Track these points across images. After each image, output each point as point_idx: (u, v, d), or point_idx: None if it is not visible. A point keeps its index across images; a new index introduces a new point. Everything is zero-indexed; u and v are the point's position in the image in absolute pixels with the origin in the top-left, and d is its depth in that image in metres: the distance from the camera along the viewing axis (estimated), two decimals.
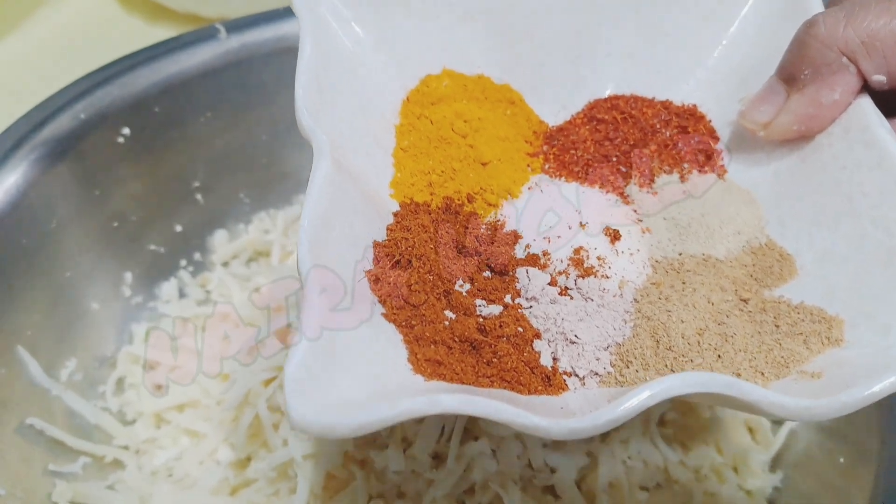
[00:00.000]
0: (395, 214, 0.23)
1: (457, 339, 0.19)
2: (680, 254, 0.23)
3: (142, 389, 0.35)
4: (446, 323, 0.20)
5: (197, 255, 0.41)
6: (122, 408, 0.36)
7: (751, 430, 0.35)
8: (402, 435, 0.30)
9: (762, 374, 0.19)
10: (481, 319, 0.20)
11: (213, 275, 0.40)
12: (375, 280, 0.20)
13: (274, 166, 0.42)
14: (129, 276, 0.38)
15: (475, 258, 0.22)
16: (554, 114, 0.28)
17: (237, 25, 0.39)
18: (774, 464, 0.34)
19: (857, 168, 0.22)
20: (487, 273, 0.22)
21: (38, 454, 0.31)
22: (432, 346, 0.19)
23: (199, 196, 0.40)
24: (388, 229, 0.22)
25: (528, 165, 0.26)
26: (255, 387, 0.32)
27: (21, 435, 0.31)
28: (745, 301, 0.21)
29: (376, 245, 0.21)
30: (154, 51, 0.38)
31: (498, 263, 0.22)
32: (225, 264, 0.41)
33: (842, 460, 0.31)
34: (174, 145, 0.39)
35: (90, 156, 0.36)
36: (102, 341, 0.37)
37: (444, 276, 0.21)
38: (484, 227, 0.23)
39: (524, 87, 0.27)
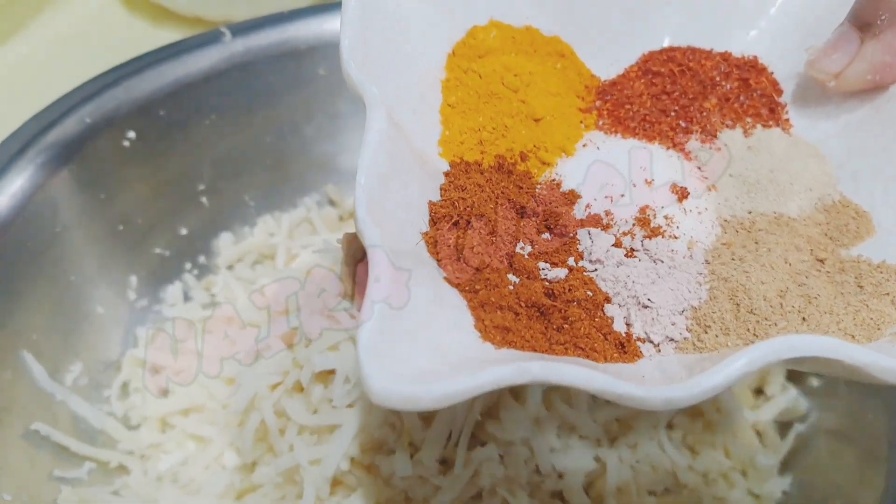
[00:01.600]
0: (446, 174, 0.21)
1: (523, 304, 0.18)
2: (749, 212, 0.22)
3: (147, 393, 0.35)
4: (511, 287, 0.19)
5: (202, 259, 0.41)
6: (127, 412, 0.35)
7: (759, 434, 0.34)
8: (409, 440, 0.30)
9: (853, 336, 0.18)
10: (547, 283, 0.19)
11: (218, 278, 0.40)
12: (434, 243, 0.19)
13: (279, 169, 0.42)
14: (134, 279, 0.38)
15: (533, 219, 0.21)
16: (606, 67, 0.26)
17: (242, 29, 0.39)
18: (783, 467, 0.34)
19: None
20: (547, 235, 0.21)
21: (43, 459, 0.31)
22: (499, 312, 0.18)
23: (204, 199, 0.40)
24: (441, 189, 0.21)
25: (582, 122, 0.24)
26: (261, 391, 0.32)
27: (26, 440, 0.31)
28: (822, 261, 0.20)
29: (431, 206, 0.20)
30: (159, 54, 0.38)
31: (558, 224, 0.21)
32: (230, 267, 0.41)
33: (851, 463, 0.31)
34: (179, 148, 0.39)
35: (96, 159, 0.36)
36: (107, 345, 0.37)
37: (505, 236, 0.20)
38: (540, 186, 0.22)
39: (575, 39, 0.26)
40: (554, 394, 0.31)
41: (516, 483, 0.29)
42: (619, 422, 0.31)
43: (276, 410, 0.31)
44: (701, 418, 0.33)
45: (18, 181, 0.33)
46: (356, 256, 0.22)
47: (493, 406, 0.30)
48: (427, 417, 0.30)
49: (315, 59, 0.40)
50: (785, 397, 0.35)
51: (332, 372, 0.31)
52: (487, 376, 0.14)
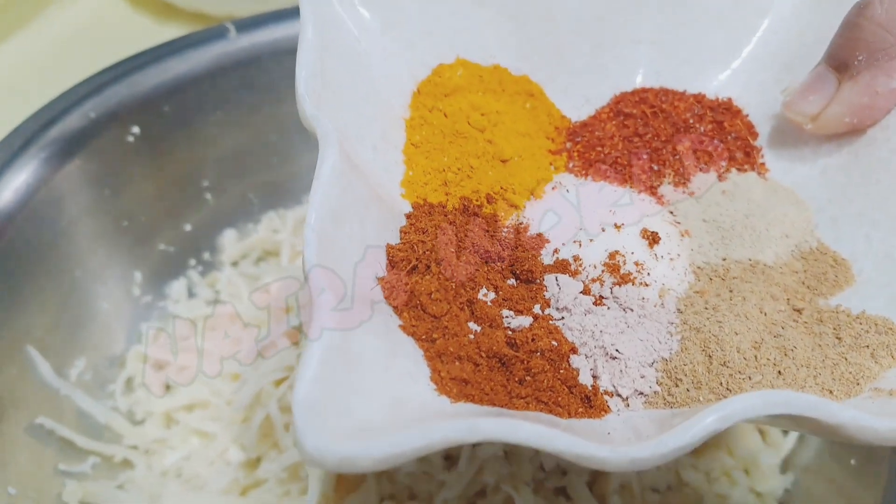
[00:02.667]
0: (408, 216, 0.21)
1: (484, 355, 0.17)
2: (724, 259, 0.21)
3: (151, 389, 0.35)
4: (471, 336, 0.18)
5: (206, 255, 0.41)
6: (131, 407, 0.35)
7: (761, 433, 0.35)
8: None
9: (830, 391, 0.17)
10: (510, 332, 0.18)
11: (222, 274, 0.40)
12: (390, 289, 0.18)
13: (283, 166, 0.42)
14: (138, 275, 0.38)
15: (498, 264, 0.20)
16: (577, 108, 0.26)
17: (246, 24, 0.39)
18: (785, 466, 0.34)
19: None
20: (512, 281, 0.20)
21: (48, 454, 0.31)
22: (457, 363, 0.17)
23: (208, 195, 0.40)
24: (401, 231, 0.20)
25: (551, 163, 0.24)
26: (266, 387, 0.32)
27: (31, 435, 0.31)
28: (799, 311, 0.19)
29: (389, 249, 0.19)
30: (163, 50, 0.38)
31: (524, 270, 0.20)
32: (234, 264, 0.41)
33: (852, 462, 0.31)
34: (183, 144, 0.39)
35: (100, 155, 0.36)
36: (112, 341, 0.37)
37: (467, 282, 0.19)
38: (506, 229, 0.21)
39: (544, 78, 0.25)
40: None
41: (520, 480, 0.29)
42: None
43: (282, 406, 0.31)
44: None
45: (22, 176, 0.33)
46: None
47: None
48: None
49: None
50: None
51: None
52: (434, 434, 0.13)
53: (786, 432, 0.35)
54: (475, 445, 0.29)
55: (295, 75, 0.20)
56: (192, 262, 0.40)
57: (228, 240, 0.41)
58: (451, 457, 0.30)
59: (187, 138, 0.39)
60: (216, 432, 0.34)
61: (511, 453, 0.30)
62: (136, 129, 0.37)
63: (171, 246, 0.40)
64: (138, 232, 0.38)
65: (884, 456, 0.29)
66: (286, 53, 0.40)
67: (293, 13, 0.40)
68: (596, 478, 0.31)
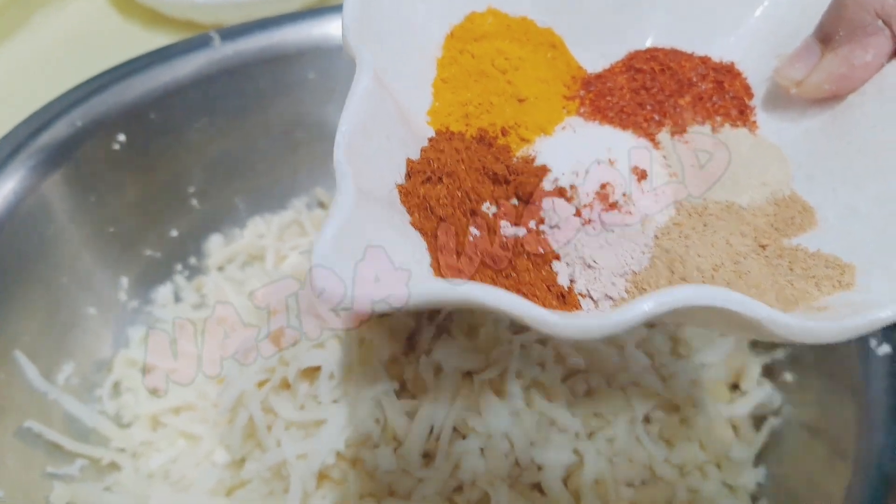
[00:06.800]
0: (430, 140, 0.23)
1: (479, 253, 0.20)
2: (704, 199, 0.23)
3: (139, 393, 0.36)
4: (471, 238, 0.21)
5: (192, 260, 0.41)
6: (118, 411, 0.36)
7: (735, 427, 0.35)
8: (392, 434, 0.30)
9: (770, 307, 0.19)
10: (504, 239, 0.21)
11: (209, 279, 0.41)
12: (406, 194, 0.21)
13: (269, 172, 0.43)
14: (125, 280, 0.39)
15: (504, 186, 0.23)
16: (593, 61, 0.28)
17: (231, 33, 0.40)
18: (757, 460, 0.35)
19: (886, 128, 0.22)
20: (514, 201, 0.23)
21: (36, 457, 0.32)
22: (454, 256, 0.20)
23: (194, 201, 0.41)
24: (421, 150, 0.22)
25: (564, 108, 0.26)
26: (248, 389, 0.32)
27: (20, 438, 0.32)
28: (764, 247, 0.22)
29: (409, 162, 0.22)
30: (149, 58, 0.39)
31: (525, 192, 0.22)
32: (220, 268, 0.42)
33: (821, 456, 0.32)
34: (169, 151, 0.39)
35: (86, 162, 0.36)
36: (99, 345, 0.37)
37: (472, 195, 0.21)
38: (516, 159, 0.24)
39: (566, 32, 0.28)
40: (533, 390, 0.32)
41: (496, 476, 0.30)
42: (597, 416, 0.32)
43: (264, 407, 0.32)
44: (677, 413, 0.34)
45: (10, 184, 0.34)
46: None
47: (475, 400, 0.31)
48: (410, 412, 0.31)
49: (304, 63, 0.41)
50: (760, 392, 0.36)
51: (317, 369, 0.32)
52: (426, 286, 0.15)
53: (757, 428, 0.35)
54: (452, 442, 0.30)
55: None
56: (179, 267, 0.41)
57: (214, 245, 0.42)
58: (429, 454, 0.31)
59: (173, 145, 0.39)
60: (202, 434, 0.34)
61: (487, 449, 0.30)
62: (122, 137, 0.37)
63: (158, 251, 0.40)
64: (125, 238, 0.39)
65: (850, 450, 0.30)
66: (270, 61, 0.40)
67: (276, 22, 0.41)
68: (571, 473, 0.31)
